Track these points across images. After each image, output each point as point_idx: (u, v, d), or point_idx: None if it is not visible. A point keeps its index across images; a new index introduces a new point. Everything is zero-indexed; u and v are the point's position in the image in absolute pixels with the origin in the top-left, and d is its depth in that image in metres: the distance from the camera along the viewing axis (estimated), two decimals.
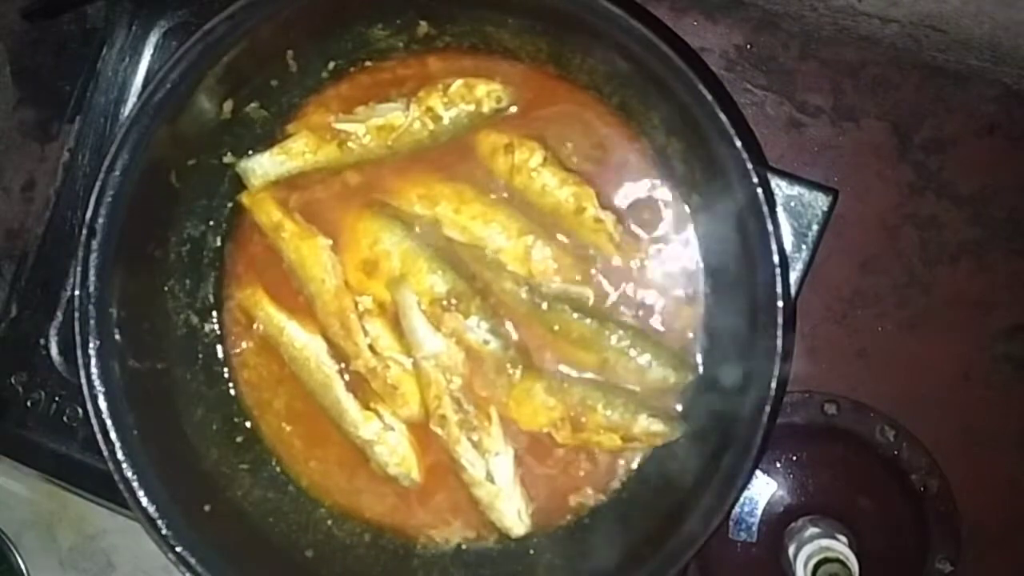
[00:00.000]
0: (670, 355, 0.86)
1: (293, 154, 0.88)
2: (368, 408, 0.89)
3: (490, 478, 0.86)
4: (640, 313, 0.88)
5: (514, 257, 0.87)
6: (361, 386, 0.90)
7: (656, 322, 0.88)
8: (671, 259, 0.88)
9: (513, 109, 0.88)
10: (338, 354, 0.89)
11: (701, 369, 0.87)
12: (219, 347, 0.93)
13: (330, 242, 0.89)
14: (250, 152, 0.89)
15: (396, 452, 0.89)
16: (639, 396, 0.86)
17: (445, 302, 0.86)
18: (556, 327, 0.86)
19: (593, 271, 0.87)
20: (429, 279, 0.86)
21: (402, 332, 0.88)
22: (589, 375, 0.87)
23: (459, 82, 0.86)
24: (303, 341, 0.90)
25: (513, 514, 0.87)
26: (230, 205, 0.91)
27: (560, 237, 0.87)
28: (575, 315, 0.85)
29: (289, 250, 0.89)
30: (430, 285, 0.86)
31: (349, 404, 0.89)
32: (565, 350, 0.87)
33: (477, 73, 0.87)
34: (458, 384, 0.87)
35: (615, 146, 0.88)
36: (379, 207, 0.89)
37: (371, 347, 0.88)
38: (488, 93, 0.86)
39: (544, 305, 0.86)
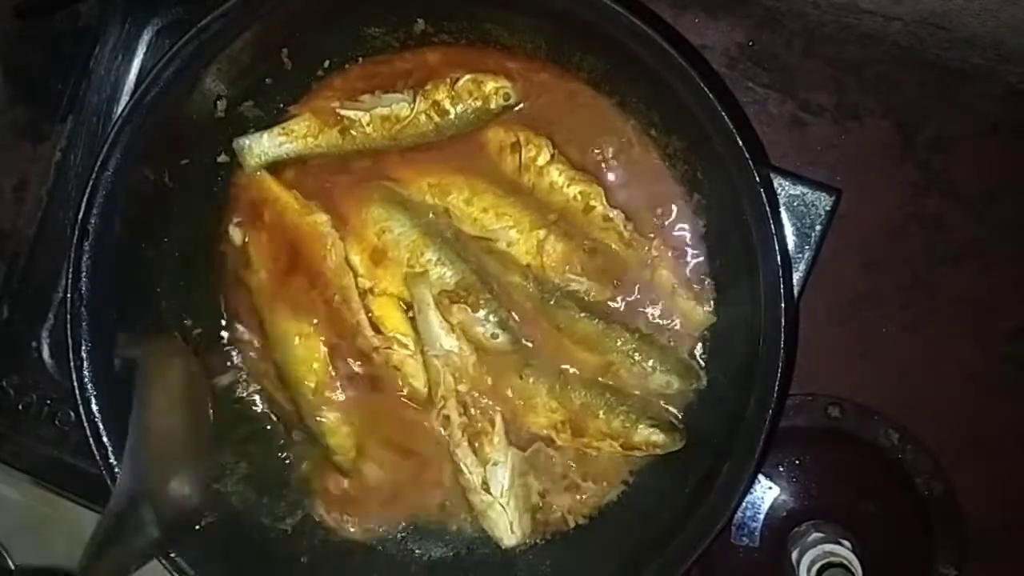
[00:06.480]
0: (675, 360, 0.85)
1: (294, 136, 0.87)
2: None
3: (485, 487, 0.84)
4: (644, 315, 0.86)
5: (526, 251, 0.85)
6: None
7: (659, 324, 0.86)
8: (673, 259, 0.86)
9: (520, 106, 0.87)
10: (340, 333, 0.87)
11: (704, 372, 0.86)
12: (213, 351, 0.91)
13: (328, 218, 0.87)
14: None
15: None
16: (641, 403, 0.85)
17: (454, 294, 0.84)
18: (561, 324, 0.85)
19: (601, 271, 0.86)
20: (438, 270, 0.85)
21: (404, 315, 0.87)
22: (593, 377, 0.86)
23: (467, 77, 0.85)
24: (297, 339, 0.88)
25: (504, 526, 0.85)
26: (224, 205, 0.90)
27: (570, 234, 0.86)
28: (581, 314, 0.84)
29: (289, 229, 0.87)
30: (438, 276, 0.85)
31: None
32: (569, 349, 0.86)
33: (475, 71, 0.86)
34: (466, 387, 0.86)
35: (617, 145, 0.87)
36: (387, 193, 0.87)
37: (375, 328, 0.87)
38: (496, 90, 0.85)
39: (552, 301, 0.85)
